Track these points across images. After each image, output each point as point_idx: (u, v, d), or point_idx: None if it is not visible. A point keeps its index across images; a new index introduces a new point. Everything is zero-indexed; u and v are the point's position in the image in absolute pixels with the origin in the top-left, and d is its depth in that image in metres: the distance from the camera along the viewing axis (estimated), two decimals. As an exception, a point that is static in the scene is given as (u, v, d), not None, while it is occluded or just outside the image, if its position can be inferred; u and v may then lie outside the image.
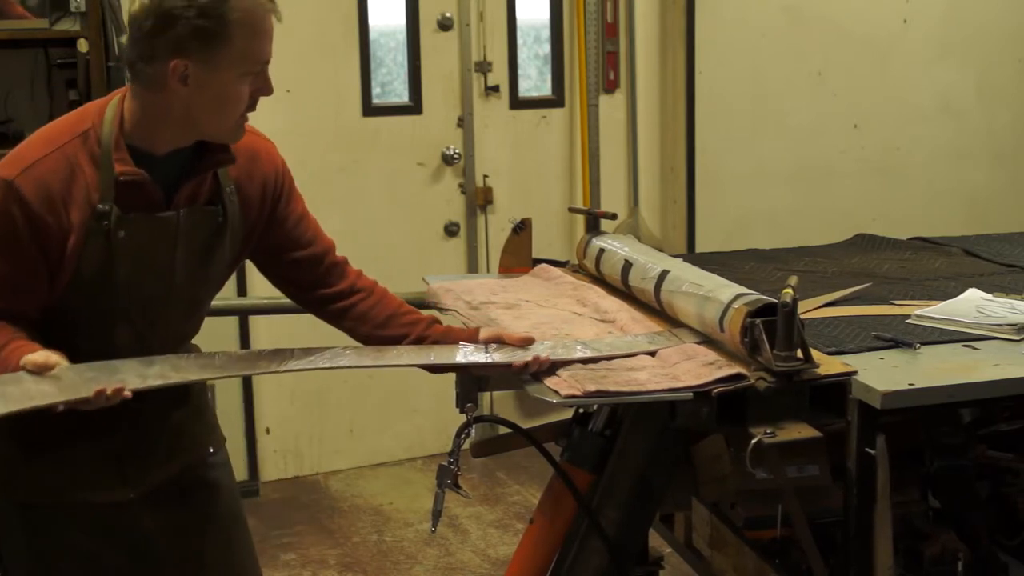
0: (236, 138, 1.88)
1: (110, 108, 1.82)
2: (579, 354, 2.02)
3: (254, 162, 1.98)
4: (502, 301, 2.46)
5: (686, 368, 1.98)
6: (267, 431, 4.50)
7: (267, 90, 1.87)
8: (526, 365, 1.97)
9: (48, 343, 1.76)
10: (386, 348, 2.05)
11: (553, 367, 1.99)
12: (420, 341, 2.07)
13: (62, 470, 1.91)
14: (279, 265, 2.08)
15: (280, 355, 1.95)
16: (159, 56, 1.75)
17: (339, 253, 2.19)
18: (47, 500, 1.92)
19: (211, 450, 2.11)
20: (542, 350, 2.01)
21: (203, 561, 2.06)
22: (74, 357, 1.75)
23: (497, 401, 4.71)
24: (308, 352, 1.96)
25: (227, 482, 2.14)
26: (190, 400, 2.07)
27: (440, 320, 2.12)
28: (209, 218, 1.91)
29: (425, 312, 2.18)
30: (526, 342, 2.02)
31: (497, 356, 2.00)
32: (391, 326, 2.09)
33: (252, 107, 1.86)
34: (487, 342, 2.05)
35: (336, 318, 2.13)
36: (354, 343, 2.10)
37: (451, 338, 2.07)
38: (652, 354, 2.09)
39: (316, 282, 2.11)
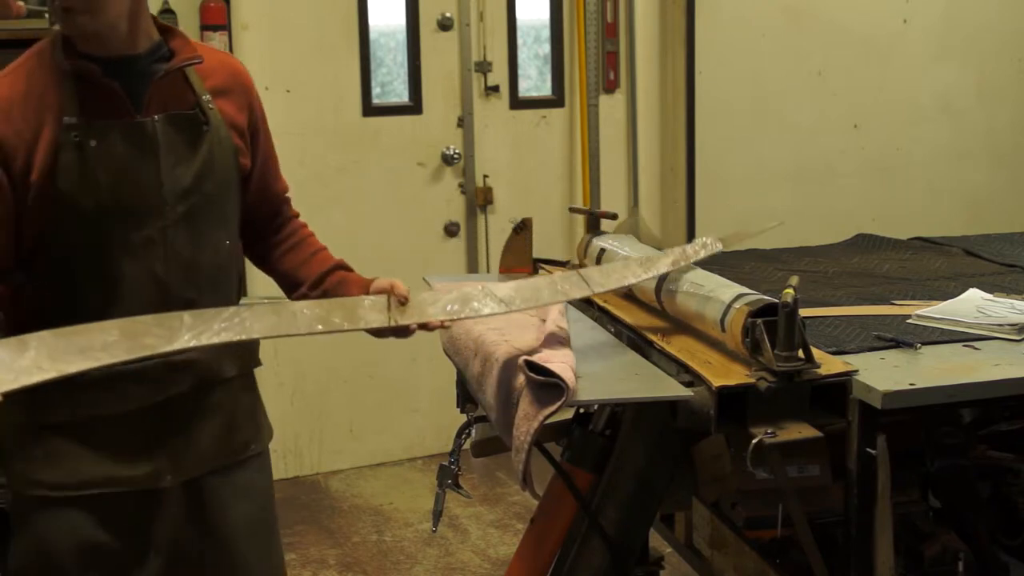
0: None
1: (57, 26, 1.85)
2: (486, 310, 1.96)
3: (231, 76, 1.98)
4: None
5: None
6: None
7: None
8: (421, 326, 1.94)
9: (46, 296, 1.79)
10: (284, 306, 1.88)
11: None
12: (319, 283, 2.06)
13: (91, 455, 1.86)
14: (246, 194, 2.04)
15: (169, 324, 1.74)
16: None
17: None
18: (67, 492, 1.86)
19: (252, 447, 2.04)
20: (441, 307, 1.94)
21: (218, 567, 1.99)
22: (82, 301, 1.78)
23: (497, 401, 4.71)
24: (201, 318, 1.76)
25: (260, 485, 2.07)
26: (233, 392, 2.01)
27: (348, 265, 2.11)
28: (190, 124, 1.88)
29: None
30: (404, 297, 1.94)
31: (397, 316, 1.92)
32: (301, 268, 2.09)
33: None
34: (377, 292, 1.96)
35: (262, 259, 2.14)
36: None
37: (346, 287, 2.05)
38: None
39: (268, 218, 2.12)
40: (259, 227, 2.11)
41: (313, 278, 2.07)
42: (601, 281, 2.14)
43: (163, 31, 1.93)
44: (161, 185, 1.84)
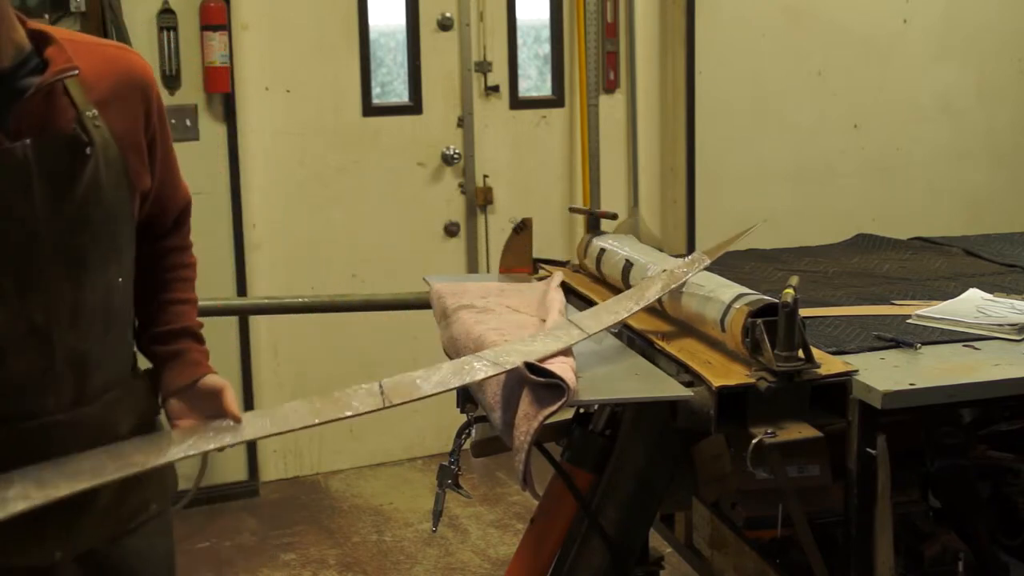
0: None
1: None
2: (480, 375, 1.89)
3: (121, 79, 1.68)
4: (481, 305, 2.46)
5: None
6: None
7: None
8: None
9: None
10: (275, 410, 1.81)
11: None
12: (162, 339, 1.81)
13: None
14: (142, 209, 1.76)
15: (158, 442, 1.71)
16: None
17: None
18: None
19: (152, 507, 1.79)
20: (435, 383, 1.85)
21: None
22: None
23: (497, 401, 4.71)
24: (187, 435, 1.72)
25: (161, 550, 1.83)
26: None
27: (199, 335, 1.84)
28: (69, 147, 1.59)
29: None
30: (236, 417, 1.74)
31: (391, 398, 1.82)
32: (152, 303, 1.82)
33: None
34: (206, 389, 1.76)
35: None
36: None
37: (180, 367, 1.79)
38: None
39: (158, 236, 1.84)
40: (146, 236, 1.81)
41: (159, 329, 1.81)
42: (594, 325, 2.12)
43: (35, 38, 1.63)
44: (37, 220, 1.56)
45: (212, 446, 1.68)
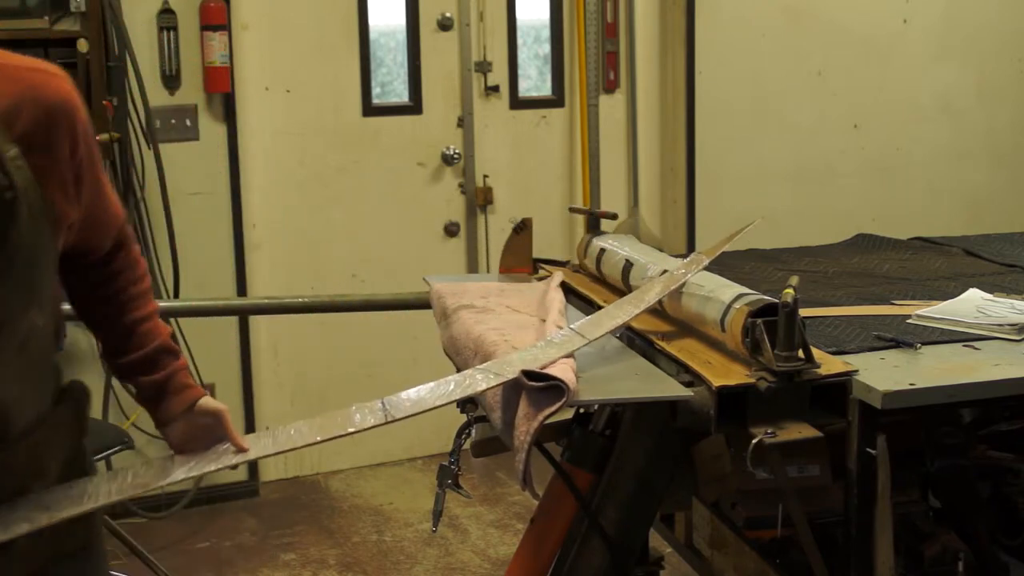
0: None
1: None
2: (483, 385, 1.92)
3: (45, 108, 1.50)
4: (481, 305, 2.46)
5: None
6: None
7: None
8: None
9: None
10: (279, 431, 1.84)
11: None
12: (148, 367, 1.74)
13: None
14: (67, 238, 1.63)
15: (161, 465, 1.73)
16: None
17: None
18: None
19: (81, 534, 1.68)
20: (439, 394, 1.88)
21: None
22: None
23: (497, 401, 4.70)
24: (189, 457, 1.75)
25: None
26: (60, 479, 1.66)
27: (176, 349, 1.78)
28: None
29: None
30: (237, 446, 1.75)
31: (394, 413, 1.87)
32: (122, 330, 1.75)
33: None
34: (201, 413, 1.75)
35: (82, 297, 1.73)
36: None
37: (169, 396, 1.75)
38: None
39: (95, 264, 1.74)
40: (82, 263, 1.71)
41: (134, 356, 1.74)
42: (595, 331, 2.13)
43: None
44: None
45: (214, 467, 1.70)
